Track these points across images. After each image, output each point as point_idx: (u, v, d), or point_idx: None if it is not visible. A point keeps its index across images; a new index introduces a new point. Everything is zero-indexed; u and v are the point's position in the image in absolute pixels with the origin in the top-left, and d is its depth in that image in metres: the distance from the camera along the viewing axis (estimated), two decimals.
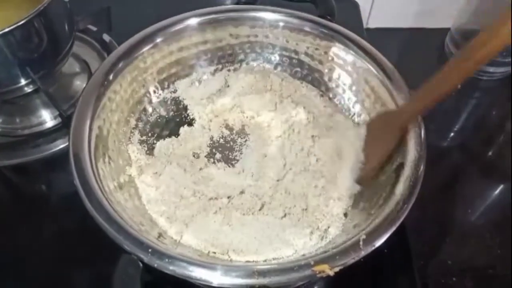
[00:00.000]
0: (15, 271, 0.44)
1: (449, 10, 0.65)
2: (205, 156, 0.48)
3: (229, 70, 0.53)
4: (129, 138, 0.47)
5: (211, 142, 0.49)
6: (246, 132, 0.50)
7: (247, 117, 0.51)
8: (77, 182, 0.36)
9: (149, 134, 0.49)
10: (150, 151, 0.47)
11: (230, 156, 0.48)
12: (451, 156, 0.57)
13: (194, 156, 0.47)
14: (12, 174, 0.53)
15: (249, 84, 0.52)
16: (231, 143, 0.49)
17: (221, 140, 0.49)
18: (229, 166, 0.47)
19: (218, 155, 0.48)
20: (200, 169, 0.46)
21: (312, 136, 0.48)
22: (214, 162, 0.47)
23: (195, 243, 0.40)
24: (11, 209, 0.50)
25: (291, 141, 0.48)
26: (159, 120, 0.50)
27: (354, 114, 0.49)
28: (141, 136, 0.48)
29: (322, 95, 0.51)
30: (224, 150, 0.48)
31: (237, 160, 0.47)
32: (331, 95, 0.51)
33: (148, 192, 0.43)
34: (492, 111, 0.62)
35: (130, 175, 0.44)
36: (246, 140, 0.49)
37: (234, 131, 0.50)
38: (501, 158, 0.56)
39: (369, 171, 0.43)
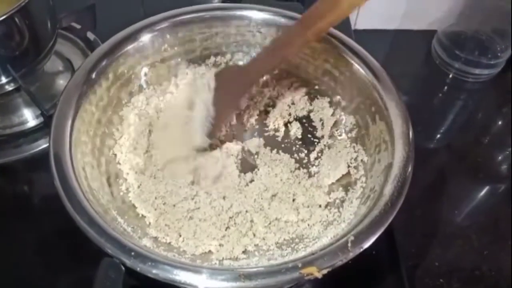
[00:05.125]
0: None
1: (437, 12, 0.65)
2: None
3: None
4: (113, 137, 0.46)
5: None
6: None
7: None
8: (57, 182, 0.35)
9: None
10: (134, 150, 0.46)
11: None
12: (437, 157, 0.57)
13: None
14: None
15: None
16: None
17: None
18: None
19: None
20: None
21: None
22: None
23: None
24: None
25: None
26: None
27: (342, 113, 0.49)
28: (125, 136, 0.47)
29: None
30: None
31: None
32: (319, 96, 0.51)
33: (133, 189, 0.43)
34: (478, 112, 0.62)
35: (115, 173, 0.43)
36: None
37: None
38: (487, 159, 0.57)
39: (216, 126, 0.45)
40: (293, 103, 0.52)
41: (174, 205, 0.42)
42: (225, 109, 0.45)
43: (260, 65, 0.43)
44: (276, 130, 0.51)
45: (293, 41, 0.41)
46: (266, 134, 0.51)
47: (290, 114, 0.52)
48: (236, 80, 0.44)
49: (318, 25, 0.38)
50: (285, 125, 0.51)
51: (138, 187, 0.44)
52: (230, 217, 0.42)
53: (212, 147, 0.47)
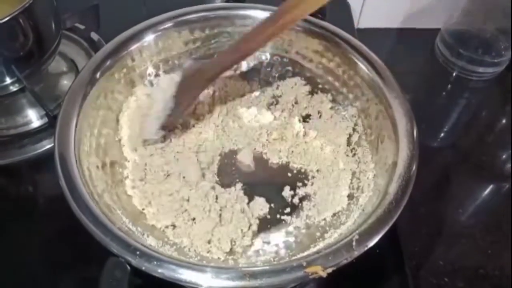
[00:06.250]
0: None
1: (440, 11, 0.65)
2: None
3: None
4: (117, 137, 0.46)
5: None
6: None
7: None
8: (62, 182, 0.35)
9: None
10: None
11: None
12: (441, 156, 0.57)
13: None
14: None
15: None
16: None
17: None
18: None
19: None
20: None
21: None
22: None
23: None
24: None
25: None
26: None
27: (346, 111, 0.49)
28: (129, 135, 0.47)
29: None
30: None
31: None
32: (322, 94, 0.51)
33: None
34: (482, 111, 0.62)
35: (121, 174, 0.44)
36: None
37: None
38: (491, 157, 0.57)
39: (176, 116, 0.46)
40: (296, 102, 0.52)
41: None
42: (185, 100, 0.46)
43: (223, 62, 0.44)
44: None
45: (260, 34, 0.40)
46: None
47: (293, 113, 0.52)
48: (200, 74, 0.45)
49: (290, 15, 0.38)
50: None
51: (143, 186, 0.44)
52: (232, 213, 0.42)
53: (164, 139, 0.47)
